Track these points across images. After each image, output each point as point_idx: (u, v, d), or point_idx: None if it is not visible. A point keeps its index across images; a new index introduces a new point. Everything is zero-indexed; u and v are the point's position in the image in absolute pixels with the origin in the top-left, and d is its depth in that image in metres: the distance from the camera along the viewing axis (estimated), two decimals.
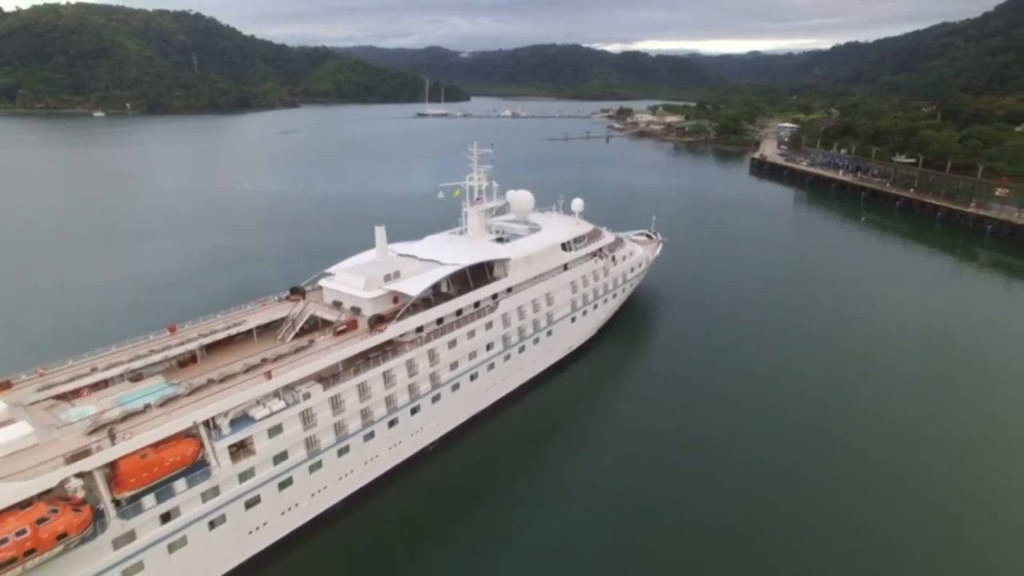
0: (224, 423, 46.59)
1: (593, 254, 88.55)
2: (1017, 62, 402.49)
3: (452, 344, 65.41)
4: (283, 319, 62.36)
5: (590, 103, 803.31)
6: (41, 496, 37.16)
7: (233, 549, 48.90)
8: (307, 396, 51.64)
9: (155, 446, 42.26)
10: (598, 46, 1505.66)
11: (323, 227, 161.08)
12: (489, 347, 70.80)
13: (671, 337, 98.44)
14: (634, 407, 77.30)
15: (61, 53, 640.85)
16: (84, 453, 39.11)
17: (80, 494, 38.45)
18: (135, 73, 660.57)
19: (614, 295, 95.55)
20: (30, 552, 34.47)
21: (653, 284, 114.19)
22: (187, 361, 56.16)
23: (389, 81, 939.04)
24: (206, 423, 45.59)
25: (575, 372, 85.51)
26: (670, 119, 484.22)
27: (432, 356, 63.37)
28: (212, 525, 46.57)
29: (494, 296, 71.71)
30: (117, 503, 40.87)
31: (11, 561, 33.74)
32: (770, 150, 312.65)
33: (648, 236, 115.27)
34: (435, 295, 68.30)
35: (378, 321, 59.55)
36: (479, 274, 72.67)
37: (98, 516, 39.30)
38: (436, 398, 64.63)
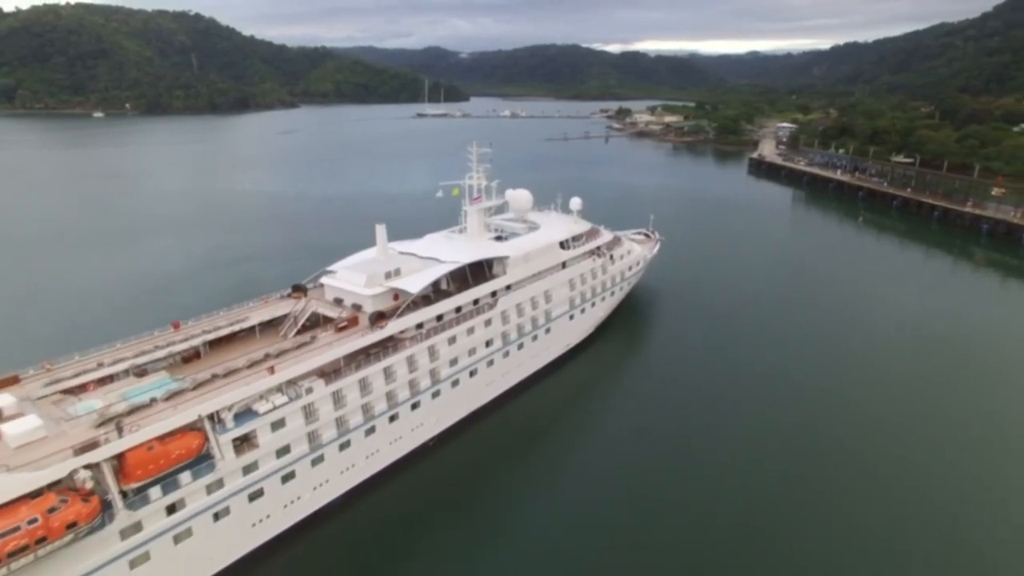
0: (228, 417, 47.53)
1: (591, 252, 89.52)
2: (1015, 62, 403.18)
3: (452, 341, 66.34)
4: (285, 316, 63.37)
5: (589, 103, 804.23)
6: (51, 487, 38.07)
7: (237, 541, 49.77)
8: (309, 391, 52.55)
9: (161, 439, 43.17)
10: (597, 46, 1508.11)
11: (323, 227, 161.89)
12: (488, 344, 71.74)
13: (669, 335, 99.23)
14: (632, 405, 78.02)
15: (60, 53, 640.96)
16: (92, 445, 40.01)
17: (88, 485, 39.42)
18: (134, 73, 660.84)
19: (612, 293, 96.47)
20: (41, 540, 35.39)
21: (651, 283, 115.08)
22: (191, 357, 57.14)
23: (388, 81, 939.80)
24: (210, 417, 46.50)
25: (573, 369, 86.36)
26: (669, 119, 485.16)
27: (432, 352, 64.27)
28: (216, 517, 47.45)
29: (493, 293, 72.63)
30: (124, 494, 41.75)
31: (23, 549, 34.66)
32: (768, 150, 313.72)
33: (646, 235, 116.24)
34: (435, 292, 69.21)
35: (379, 318, 60.50)
36: (478, 272, 73.60)
37: (106, 507, 40.19)
38: (436, 394, 65.55)
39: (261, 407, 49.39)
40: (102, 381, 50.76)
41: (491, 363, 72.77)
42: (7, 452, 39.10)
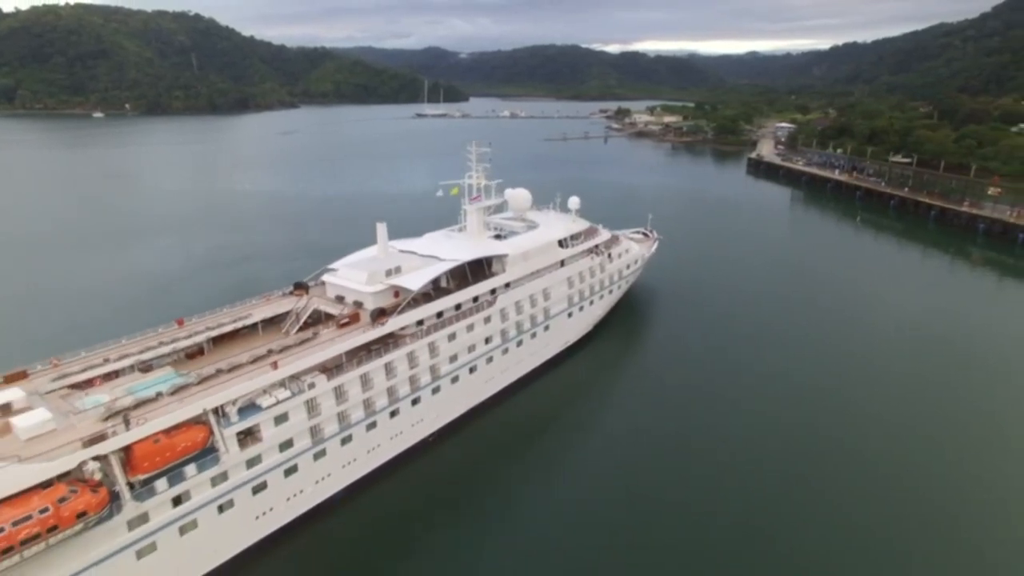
0: (232, 411, 48.49)
1: (589, 251, 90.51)
2: (1014, 62, 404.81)
3: (451, 337, 67.29)
4: (287, 313, 64.35)
5: (589, 103, 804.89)
6: (61, 478, 39.06)
7: (241, 533, 50.70)
8: (312, 386, 53.49)
9: (167, 432, 44.16)
10: (597, 47, 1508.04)
11: (323, 226, 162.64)
12: (487, 341, 72.68)
13: (668, 334, 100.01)
14: (631, 403, 78.76)
15: (60, 54, 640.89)
16: (100, 437, 40.97)
17: (97, 476, 40.28)
18: (134, 74, 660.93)
19: (610, 291, 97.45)
20: (53, 529, 36.36)
21: (650, 282, 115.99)
22: (194, 353, 58.12)
23: (388, 82, 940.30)
24: (215, 411, 47.48)
25: (572, 367, 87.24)
26: (668, 119, 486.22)
27: (432, 349, 65.21)
28: (221, 509, 48.39)
29: (492, 291, 73.60)
30: (131, 486, 42.69)
31: (36, 537, 35.64)
32: (767, 150, 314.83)
33: (644, 234, 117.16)
34: (435, 290, 70.16)
35: (380, 314, 61.50)
36: (478, 270, 74.53)
37: (114, 498, 41.10)
38: (436, 390, 66.50)
39: (264, 401, 50.36)
40: (108, 376, 51.74)
41: (490, 360, 73.72)
42: (18, 444, 40.10)
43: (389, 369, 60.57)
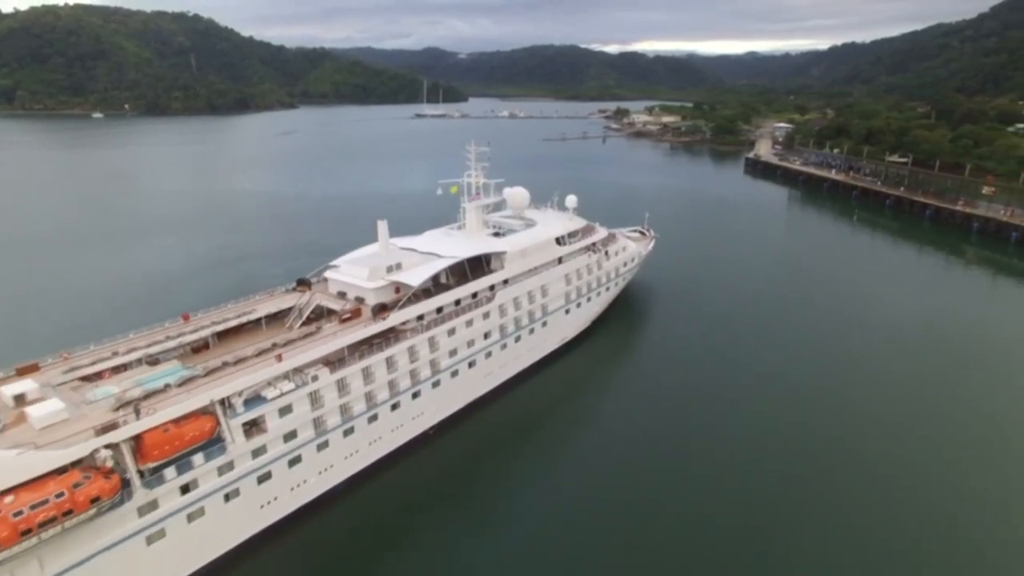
0: (238, 402, 49.90)
1: (586, 248, 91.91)
2: (1011, 63, 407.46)
3: (451, 332, 68.71)
4: (290, 308, 65.69)
5: (588, 104, 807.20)
6: (74, 465, 40.49)
7: (246, 521, 52.09)
8: (315, 378, 54.91)
9: (176, 422, 45.59)
10: (596, 47, 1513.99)
11: (323, 226, 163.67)
12: (486, 336, 74.10)
13: (665, 331, 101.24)
14: (627, 399, 79.96)
15: (59, 54, 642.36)
16: (112, 426, 42.41)
17: (109, 464, 41.70)
18: (133, 74, 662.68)
19: (607, 288, 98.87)
20: (68, 513, 37.79)
21: (648, 281, 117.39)
22: (200, 348, 59.52)
23: (387, 82, 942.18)
24: (222, 402, 48.84)
25: (570, 363, 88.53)
26: (666, 119, 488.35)
27: (432, 343, 66.64)
28: (227, 498, 49.78)
29: (491, 287, 75.02)
30: (141, 474, 44.08)
31: (52, 520, 37.09)
32: (764, 150, 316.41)
33: (641, 233, 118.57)
34: (435, 286, 71.55)
35: (381, 309, 62.92)
36: (477, 266, 75.94)
37: (125, 485, 42.50)
38: (436, 383, 67.90)
39: (269, 393, 51.76)
40: (116, 369, 53.12)
41: (489, 355, 75.13)
42: (33, 432, 41.50)
43: (390, 363, 61.96)
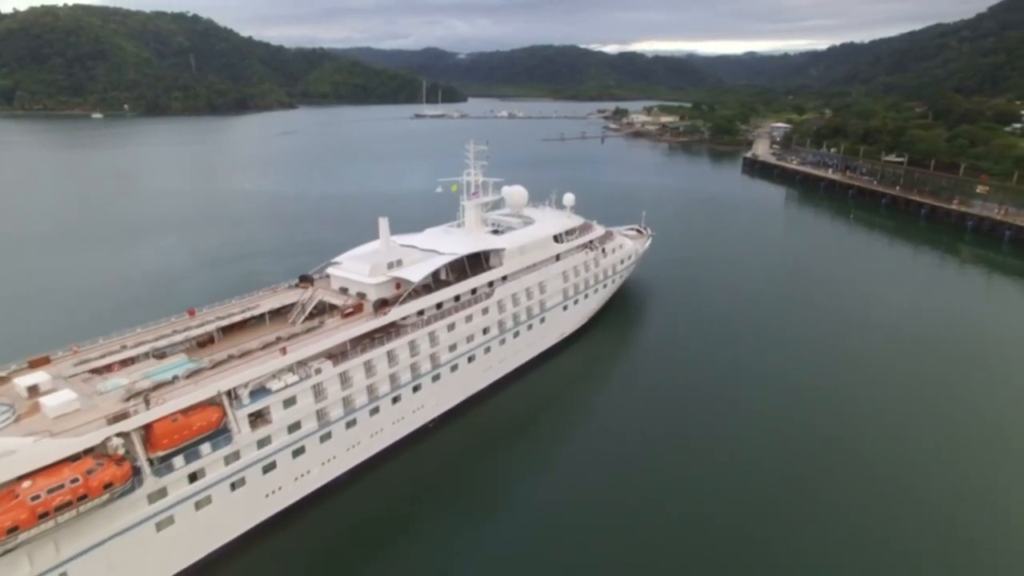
0: (244, 393, 51.32)
1: (584, 246, 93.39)
2: (1009, 63, 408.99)
3: (451, 327, 70.15)
4: (293, 304, 67.09)
5: (587, 104, 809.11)
6: (87, 452, 41.91)
7: (252, 510, 53.49)
8: (318, 371, 56.33)
9: (184, 412, 47.01)
10: (595, 47, 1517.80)
11: (324, 225, 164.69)
12: (486, 331, 75.55)
13: (662, 328, 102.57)
14: (625, 394, 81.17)
15: (59, 55, 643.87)
16: (123, 415, 43.86)
17: (120, 451, 43.13)
18: (133, 75, 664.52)
19: (604, 285, 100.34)
20: (83, 497, 39.22)
21: (646, 279, 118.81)
22: (205, 342, 60.90)
23: (387, 82, 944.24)
24: (228, 393, 50.29)
25: (568, 358, 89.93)
26: (665, 119, 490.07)
27: (432, 338, 68.05)
28: (233, 487, 51.20)
29: (490, 283, 76.47)
30: (151, 462, 45.49)
31: (68, 504, 38.54)
32: (762, 150, 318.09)
33: (638, 231, 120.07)
34: (435, 282, 72.98)
35: (382, 304, 64.38)
36: (476, 263, 77.40)
37: (136, 472, 43.91)
38: (436, 377, 69.35)
39: (274, 385, 53.16)
40: (125, 362, 54.51)
41: (488, 350, 76.58)
42: (47, 421, 42.94)
43: (391, 357, 63.39)
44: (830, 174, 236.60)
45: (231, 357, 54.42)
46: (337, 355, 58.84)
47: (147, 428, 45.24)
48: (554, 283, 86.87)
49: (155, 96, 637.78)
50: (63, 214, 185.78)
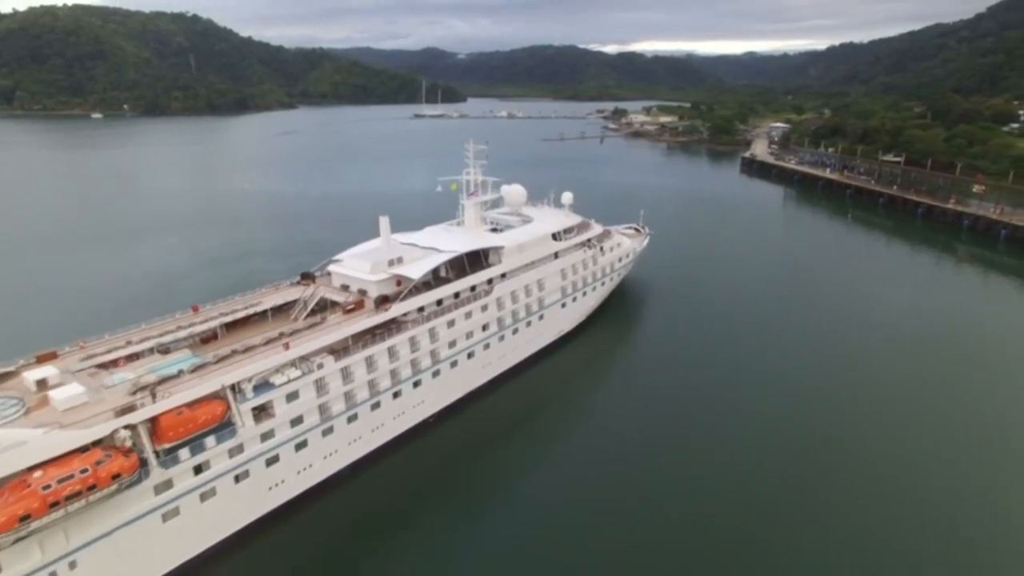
0: (248, 388, 52.33)
1: (582, 244, 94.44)
2: (1008, 63, 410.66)
3: (451, 324, 71.16)
4: (295, 301, 67.94)
5: (587, 104, 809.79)
6: (96, 444, 42.89)
7: (255, 502, 54.48)
8: (320, 366, 57.34)
9: (189, 405, 48.06)
10: (595, 47, 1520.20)
11: (324, 225, 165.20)
12: (485, 328, 76.55)
13: (660, 326, 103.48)
14: (622, 390, 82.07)
15: (58, 55, 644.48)
16: (131, 408, 44.90)
17: (128, 443, 44.17)
18: (133, 75, 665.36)
19: (602, 283, 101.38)
20: (92, 487, 40.22)
21: (644, 277, 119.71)
22: (209, 338, 61.81)
23: (386, 83, 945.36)
24: (232, 387, 51.29)
25: (566, 355, 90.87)
26: (664, 119, 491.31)
27: (432, 334, 69.08)
28: (237, 479, 52.18)
29: (489, 281, 77.51)
30: (157, 454, 46.51)
31: (78, 494, 39.54)
32: (761, 149, 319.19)
33: (636, 230, 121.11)
34: (435, 279, 73.88)
35: (383, 301, 65.43)
36: (475, 260, 78.37)
37: (143, 464, 44.89)
38: (436, 373, 70.35)
39: (277, 379, 54.19)
40: (130, 358, 55.39)
41: (487, 346, 77.56)
42: (56, 414, 43.96)
43: (392, 352, 64.39)
44: (828, 174, 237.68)
45: (234, 352, 55.42)
46: (339, 350, 59.86)
47: (153, 421, 46.28)
48: (552, 281, 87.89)
49: (155, 96, 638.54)
50: (63, 214, 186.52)
